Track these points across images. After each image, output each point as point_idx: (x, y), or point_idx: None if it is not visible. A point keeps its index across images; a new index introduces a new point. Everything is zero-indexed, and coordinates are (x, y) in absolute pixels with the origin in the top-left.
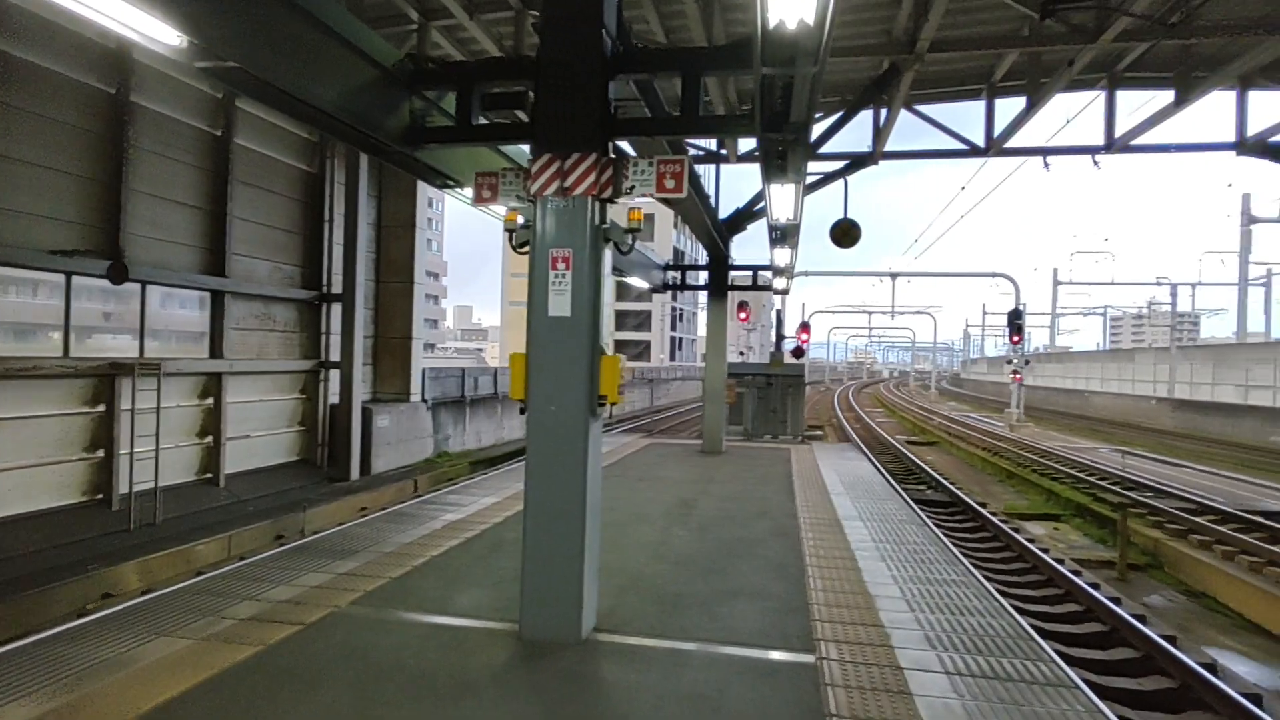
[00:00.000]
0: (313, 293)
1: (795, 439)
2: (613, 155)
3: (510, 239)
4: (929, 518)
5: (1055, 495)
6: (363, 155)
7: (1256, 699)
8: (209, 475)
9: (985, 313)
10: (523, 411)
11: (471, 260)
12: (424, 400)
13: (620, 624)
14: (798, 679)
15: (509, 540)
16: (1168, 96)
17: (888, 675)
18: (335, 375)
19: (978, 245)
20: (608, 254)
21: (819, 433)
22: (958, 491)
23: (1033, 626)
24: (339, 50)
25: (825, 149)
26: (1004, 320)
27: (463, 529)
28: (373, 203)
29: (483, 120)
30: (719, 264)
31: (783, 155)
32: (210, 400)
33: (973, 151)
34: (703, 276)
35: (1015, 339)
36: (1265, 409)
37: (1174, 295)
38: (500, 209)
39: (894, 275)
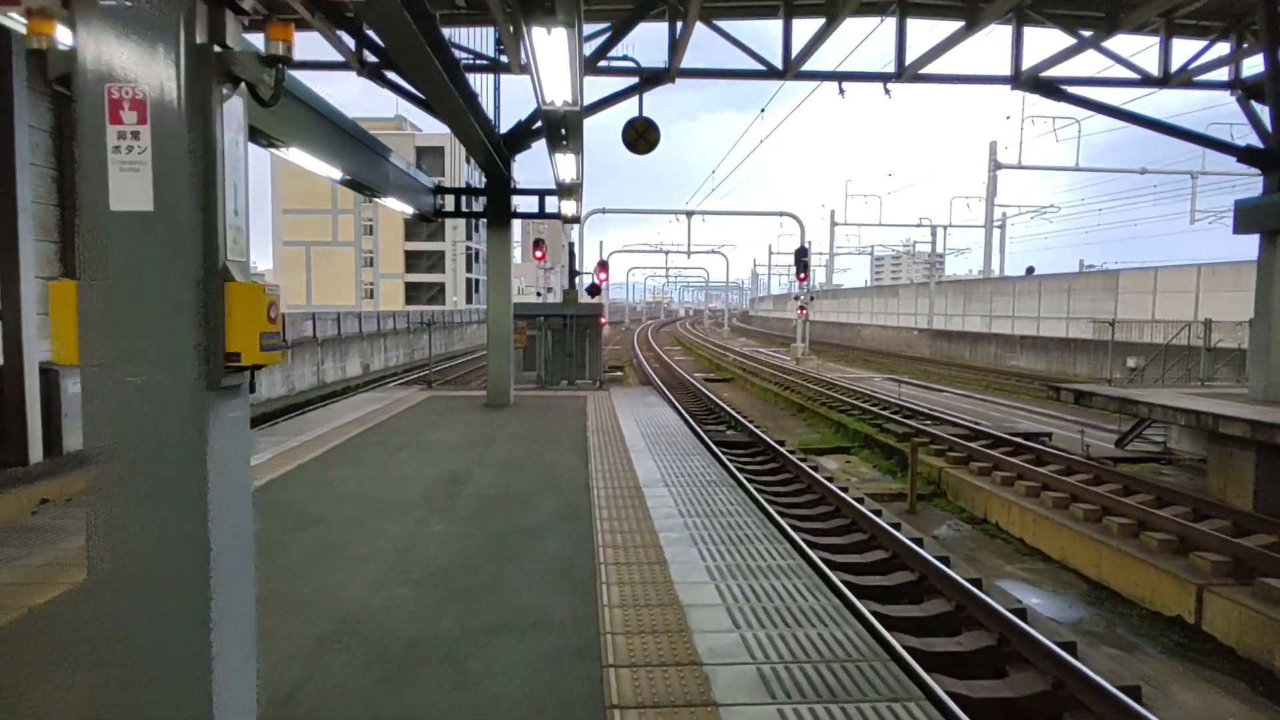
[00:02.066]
0: None
1: (593, 384)
2: None
3: (44, 70)
4: (732, 461)
5: (844, 427)
6: (13, 35)
7: (1071, 646)
8: None
9: (772, 253)
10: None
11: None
12: None
13: (303, 718)
14: None
15: None
16: (953, 27)
17: None
18: None
19: (770, 187)
20: (234, 106)
21: (619, 373)
22: (757, 431)
23: (847, 583)
24: None
25: (619, 63)
26: (788, 260)
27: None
28: (45, 102)
29: None
30: (499, 186)
31: None
32: None
33: (771, 73)
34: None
35: (801, 276)
36: (1003, 336)
37: (934, 235)
38: (20, 19)
39: (689, 213)
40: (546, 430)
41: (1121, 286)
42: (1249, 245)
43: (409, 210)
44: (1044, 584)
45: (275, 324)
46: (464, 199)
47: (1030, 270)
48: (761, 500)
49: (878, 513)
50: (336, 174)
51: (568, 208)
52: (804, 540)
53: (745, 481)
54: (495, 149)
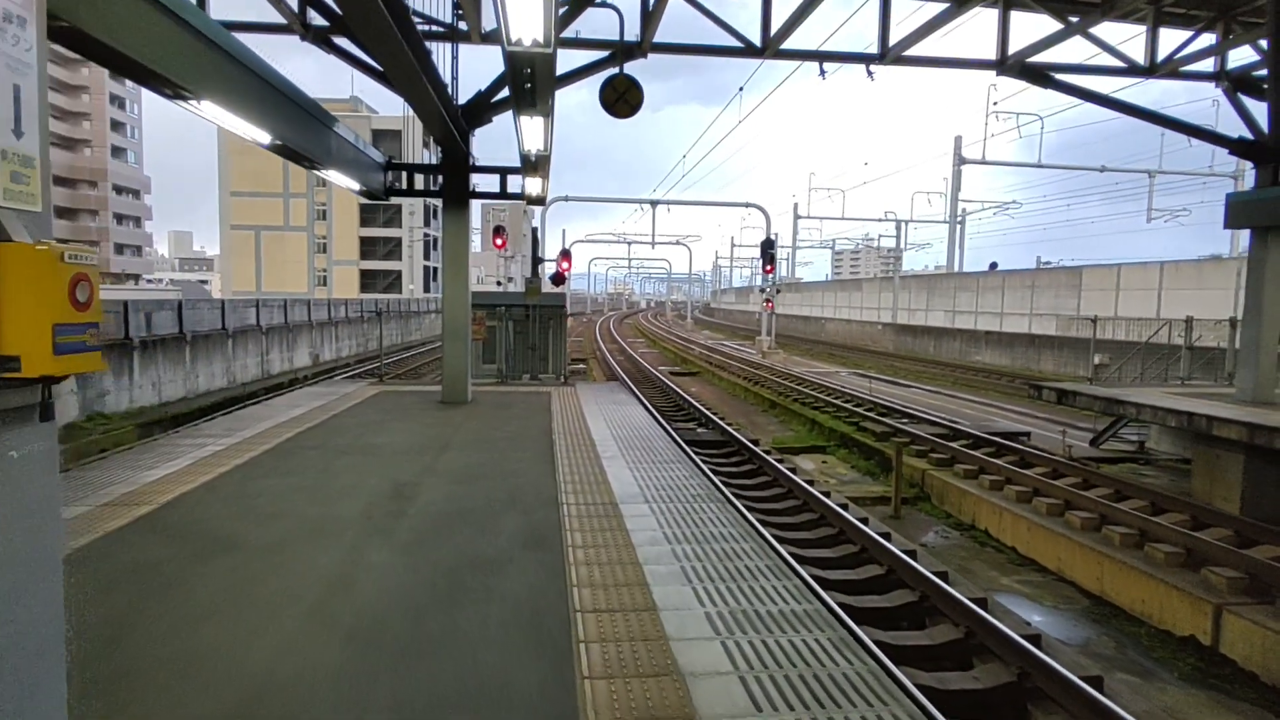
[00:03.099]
0: None
1: (558, 379)
2: None
3: None
4: (706, 462)
5: (818, 425)
6: None
7: (1097, 682)
8: None
9: (734, 245)
10: None
11: (193, 184)
12: None
13: None
14: None
15: None
16: (938, 8)
17: None
18: None
19: (738, 179)
20: None
21: (583, 366)
22: (730, 429)
23: (842, 604)
24: None
25: (587, 33)
26: (752, 253)
27: None
28: None
29: None
30: (457, 164)
31: None
32: None
33: (749, 50)
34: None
35: (768, 268)
36: (967, 331)
37: (899, 230)
38: None
39: (654, 203)
40: (508, 432)
41: (1085, 283)
42: (1205, 244)
43: (355, 186)
44: (1044, 599)
45: (87, 310)
46: (418, 177)
47: (994, 266)
48: (756, 522)
49: (864, 520)
50: (264, 137)
51: (533, 186)
52: (791, 554)
53: (735, 499)
54: (453, 121)
